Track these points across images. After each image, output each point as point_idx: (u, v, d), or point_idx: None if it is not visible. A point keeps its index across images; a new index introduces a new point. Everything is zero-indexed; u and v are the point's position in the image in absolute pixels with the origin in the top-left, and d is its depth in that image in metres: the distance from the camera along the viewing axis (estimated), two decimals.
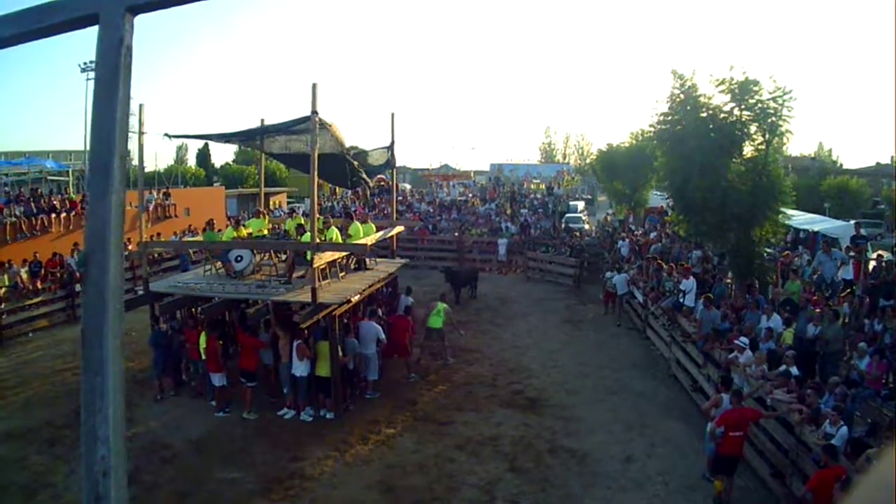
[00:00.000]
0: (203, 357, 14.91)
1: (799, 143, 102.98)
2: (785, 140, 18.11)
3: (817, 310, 14.79)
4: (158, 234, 27.99)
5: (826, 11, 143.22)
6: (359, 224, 17.99)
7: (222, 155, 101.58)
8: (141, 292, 16.88)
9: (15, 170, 36.76)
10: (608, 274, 24.46)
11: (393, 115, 20.04)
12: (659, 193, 37.83)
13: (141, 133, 16.07)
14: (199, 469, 12.23)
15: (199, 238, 22.68)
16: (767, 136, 17.66)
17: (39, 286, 22.16)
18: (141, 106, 15.87)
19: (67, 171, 38.60)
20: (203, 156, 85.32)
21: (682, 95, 18.37)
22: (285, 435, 13.72)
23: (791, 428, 10.82)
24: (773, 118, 17.34)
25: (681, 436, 13.60)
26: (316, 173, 14.53)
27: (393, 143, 19.95)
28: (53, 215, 26.87)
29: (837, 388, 11.08)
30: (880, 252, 21.63)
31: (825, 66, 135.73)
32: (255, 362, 14.97)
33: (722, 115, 17.94)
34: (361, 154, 19.06)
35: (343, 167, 17.67)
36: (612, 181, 41.47)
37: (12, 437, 13.56)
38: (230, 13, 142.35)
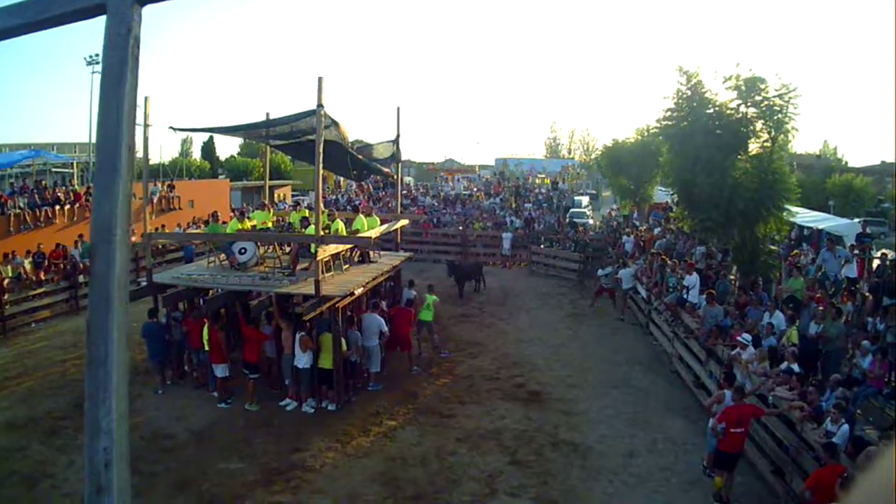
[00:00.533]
0: (206, 347, 14.93)
1: (804, 141, 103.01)
2: (790, 137, 18.06)
3: (820, 307, 14.76)
4: (163, 226, 27.99)
5: (832, 9, 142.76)
6: (363, 217, 17.99)
7: (227, 148, 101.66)
8: (144, 283, 16.89)
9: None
10: (599, 271, 24.52)
11: (399, 109, 20.06)
12: (663, 189, 37.72)
13: (146, 126, 16.10)
14: (200, 460, 12.27)
15: (204, 230, 22.73)
16: (773, 133, 17.62)
17: (43, 277, 22.20)
18: (146, 99, 15.88)
19: (72, 163, 38.62)
20: (208, 148, 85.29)
21: (687, 92, 18.34)
22: (287, 426, 13.75)
23: (792, 425, 10.83)
24: (779, 115, 17.30)
25: (683, 431, 13.61)
26: (321, 166, 14.53)
27: (398, 136, 19.96)
28: (57, 207, 26.87)
29: (839, 388, 11.07)
30: (884, 251, 21.58)
31: (831, 64, 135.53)
32: (259, 354, 15.00)
33: (728, 112, 17.90)
34: (367, 148, 19.07)
35: (346, 160, 17.66)
36: (617, 177, 41.32)
37: (14, 428, 13.61)
38: (237, 5, 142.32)
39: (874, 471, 0.70)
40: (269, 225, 18.64)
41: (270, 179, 26.21)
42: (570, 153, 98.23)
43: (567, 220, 36.56)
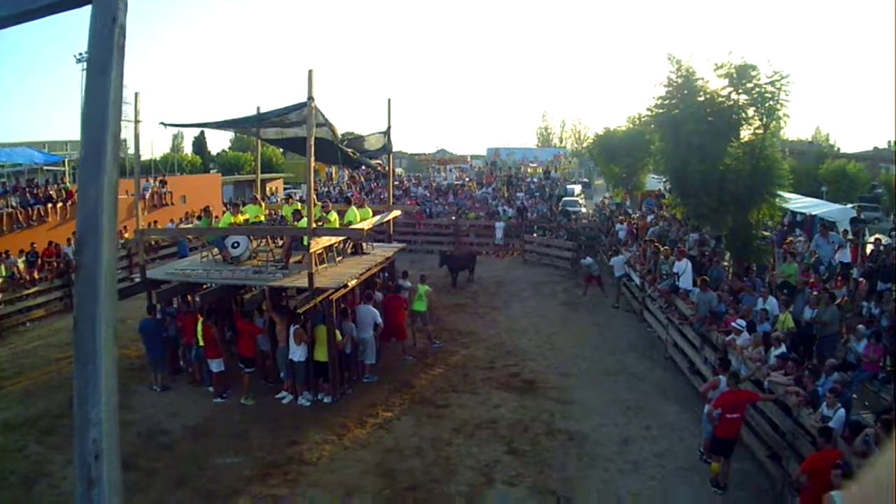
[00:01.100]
0: (201, 344, 14.90)
1: (796, 128, 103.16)
2: (782, 124, 18.09)
3: (814, 293, 14.81)
4: (155, 222, 27.98)
5: None
6: (355, 209, 17.95)
7: (218, 142, 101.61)
8: (138, 280, 16.83)
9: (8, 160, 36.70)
10: (583, 260, 24.62)
11: (389, 100, 19.99)
12: (656, 177, 37.81)
13: (137, 121, 16.00)
14: (197, 455, 12.26)
15: (197, 224, 22.69)
16: (765, 119, 17.65)
17: (36, 276, 22.15)
18: (137, 94, 15.81)
19: (63, 162, 38.47)
20: (199, 143, 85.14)
21: (679, 80, 18.36)
22: (283, 419, 13.75)
23: (789, 410, 10.86)
24: (771, 102, 17.33)
25: (678, 418, 13.66)
26: (312, 159, 14.49)
27: (389, 127, 19.91)
28: (50, 205, 26.77)
29: (834, 372, 11.10)
30: (878, 236, 21.65)
31: (823, 50, 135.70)
32: (254, 348, 14.99)
33: (719, 100, 17.94)
34: (358, 139, 19.02)
35: (337, 154, 17.62)
36: (609, 165, 41.40)
37: (10, 427, 13.58)
38: None
39: (873, 468, 0.70)
40: (262, 219, 18.60)
41: (262, 173, 26.19)
42: (561, 142, 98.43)
43: (559, 208, 36.59)
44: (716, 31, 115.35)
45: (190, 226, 24.88)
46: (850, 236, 19.42)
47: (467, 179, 45.97)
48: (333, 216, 17.01)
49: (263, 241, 17.82)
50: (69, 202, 27.31)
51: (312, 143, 14.16)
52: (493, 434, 13.00)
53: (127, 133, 17.75)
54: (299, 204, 19.70)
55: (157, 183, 34.82)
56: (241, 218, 17.64)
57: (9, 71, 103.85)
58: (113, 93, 1.10)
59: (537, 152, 69.29)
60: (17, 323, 20.95)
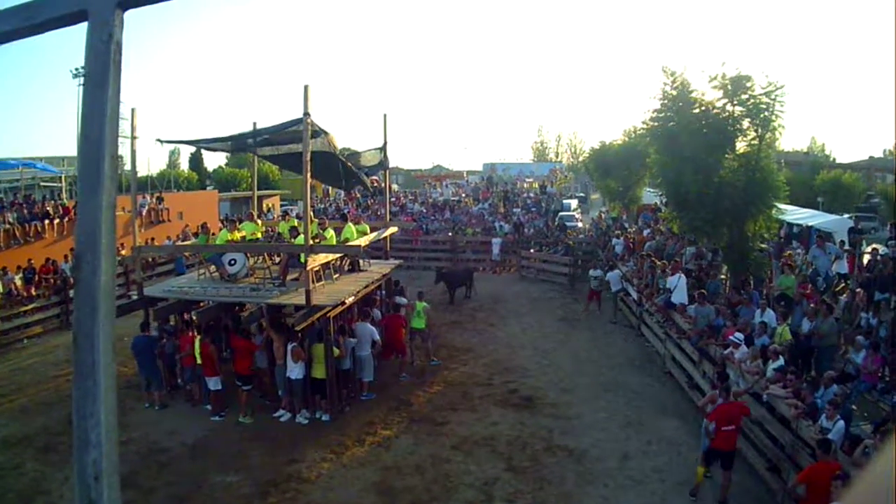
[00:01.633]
0: (199, 362, 14.85)
1: (792, 138, 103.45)
2: (777, 135, 18.15)
3: (812, 304, 14.81)
4: (152, 239, 28.01)
5: (817, 6, 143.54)
6: (352, 225, 17.98)
7: (215, 158, 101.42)
8: (135, 297, 16.83)
9: (7, 175, 36.75)
10: (591, 272, 24.46)
11: (385, 116, 20.09)
12: (652, 190, 37.88)
13: (133, 138, 16.01)
14: (195, 473, 12.22)
15: (194, 241, 22.69)
16: (760, 131, 17.71)
17: (34, 293, 22.15)
18: (133, 110, 15.84)
19: (60, 177, 38.55)
20: (196, 159, 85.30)
21: (673, 92, 18.43)
22: (281, 438, 13.71)
23: (787, 423, 10.85)
24: (766, 113, 17.40)
25: (676, 433, 13.64)
26: (308, 175, 14.50)
27: (386, 143, 19.96)
28: (47, 221, 26.83)
29: (832, 384, 11.09)
30: (875, 246, 21.69)
31: (817, 60, 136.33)
32: (249, 365, 14.94)
33: (714, 111, 18.01)
34: (354, 155, 19.06)
35: (337, 168, 17.64)
36: (605, 179, 41.55)
37: (8, 444, 13.55)
38: (224, 15, 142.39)
39: (873, 469, 0.69)
40: (259, 236, 18.61)
41: (259, 189, 26.20)
42: (557, 157, 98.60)
43: (556, 223, 36.62)
44: (711, 43, 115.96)
45: (187, 243, 24.90)
46: (846, 247, 19.43)
47: (463, 195, 46.00)
48: (330, 233, 17.05)
49: (261, 258, 17.82)
50: (66, 218, 27.36)
51: (308, 158, 14.18)
52: (492, 451, 12.96)
53: (124, 149, 17.84)
54: (296, 221, 19.71)
55: (154, 199, 34.93)
56: (237, 235, 17.65)
57: (3, 86, 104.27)
58: (110, 110, 1.10)
59: (533, 167, 69.59)
60: (14, 340, 20.97)
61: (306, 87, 13.88)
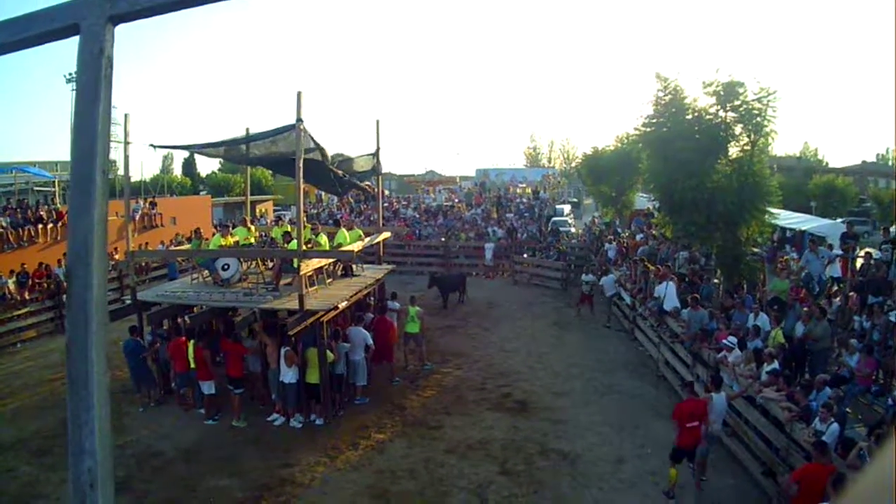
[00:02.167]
0: (192, 366, 14.83)
1: (784, 143, 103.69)
2: (770, 140, 18.21)
3: (805, 308, 14.85)
4: (146, 244, 28.02)
5: (810, 11, 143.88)
6: (345, 231, 17.96)
7: (208, 164, 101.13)
8: (129, 302, 16.80)
9: (1, 179, 36.70)
10: (584, 276, 24.48)
11: (378, 121, 20.08)
12: (644, 196, 37.96)
13: (126, 143, 16.01)
14: (189, 477, 12.20)
15: (187, 246, 22.66)
16: (753, 136, 17.78)
17: (27, 297, 22.11)
18: (126, 116, 15.87)
19: (54, 182, 38.46)
20: (189, 165, 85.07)
21: (666, 98, 18.48)
22: (275, 442, 13.70)
23: (782, 426, 10.88)
24: (758, 119, 17.47)
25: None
26: (301, 181, 14.51)
27: (378, 149, 19.97)
28: (40, 226, 26.71)
29: (826, 387, 11.14)
30: (868, 249, 21.76)
31: (810, 65, 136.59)
32: (241, 369, 14.93)
33: (707, 117, 18.07)
34: (347, 161, 19.05)
35: (329, 175, 17.64)
36: (598, 184, 41.55)
37: (2, 448, 13.53)
38: (215, 22, 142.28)
39: (871, 471, 0.70)
40: (252, 241, 18.59)
41: (252, 195, 26.20)
42: (550, 162, 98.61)
43: (549, 228, 36.60)
44: (703, 49, 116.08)
45: (180, 248, 24.87)
46: (837, 251, 19.47)
47: (456, 200, 45.93)
48: (323, 238, 17.05)
49: (254, 263, 17.80)
50: (59, 223, 27.24)
51: (301, 164, 14.18)
52: (486, 455, 12.96)
53: (117, 154, 17.80)
54: (289, 226, 19.70)
55: (147, 204, 34.79)
56: (230, 240, 17.63)
57: None
58: (101, 125, 1.11)
59: (526, 173, 69.38)
60: (8, 343, 20.95)
61: (299, 94, 13.90)
